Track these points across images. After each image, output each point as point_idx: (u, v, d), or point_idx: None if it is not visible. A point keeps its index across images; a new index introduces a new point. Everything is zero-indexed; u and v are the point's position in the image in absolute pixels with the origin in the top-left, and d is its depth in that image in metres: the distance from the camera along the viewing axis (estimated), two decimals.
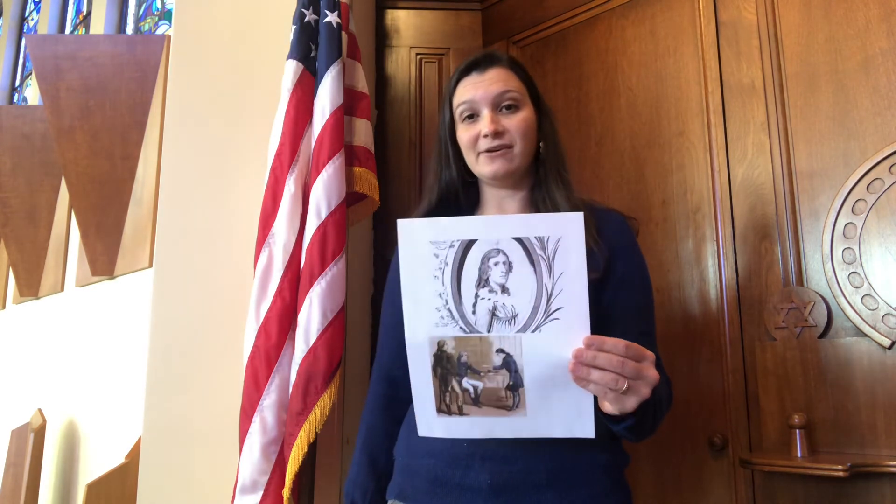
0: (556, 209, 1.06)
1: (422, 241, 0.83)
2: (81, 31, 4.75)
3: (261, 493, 1.38)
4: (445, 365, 0.84)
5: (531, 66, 1.92)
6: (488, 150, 1.07)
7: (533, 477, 0.97)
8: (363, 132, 1.64)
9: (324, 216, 1.45)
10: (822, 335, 1.36)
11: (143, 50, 2.88)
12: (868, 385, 1.29)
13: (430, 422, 0.87)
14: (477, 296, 0.82)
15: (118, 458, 2.47)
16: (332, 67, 1.54)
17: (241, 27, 1.82)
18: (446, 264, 0.82)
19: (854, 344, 1.32)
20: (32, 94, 4.91)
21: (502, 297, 0.81)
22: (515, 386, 0.83)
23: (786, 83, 1.47)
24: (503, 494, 0.97)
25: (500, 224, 0.82)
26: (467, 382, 0.84)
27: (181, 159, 1.77)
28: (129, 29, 4.26)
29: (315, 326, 1.40)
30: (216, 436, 1.57)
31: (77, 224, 2.96)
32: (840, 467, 1.20)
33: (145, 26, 4.20)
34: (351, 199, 1.59)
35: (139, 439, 1.85)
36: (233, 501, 1.39)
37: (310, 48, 1.60)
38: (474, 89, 1.09)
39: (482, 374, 0.83)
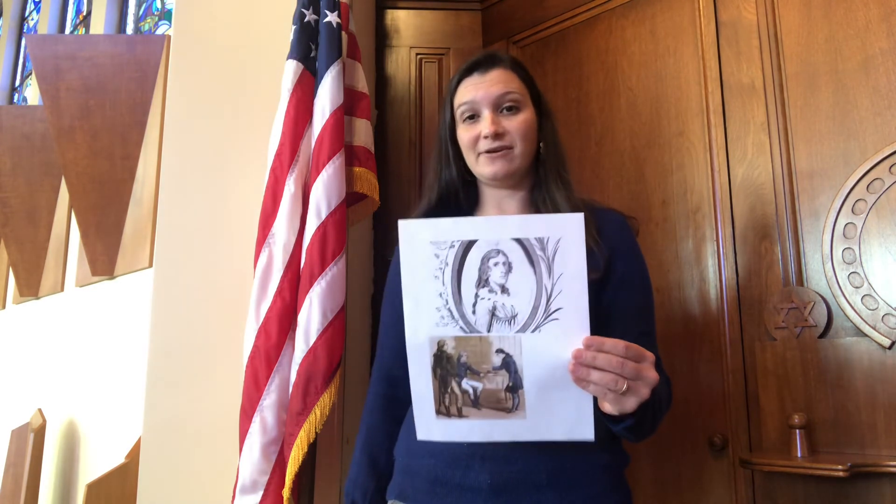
0: (556, 209, 1.06)
1: (422, 241, 0.83)
2: (81, 31, 4.75)
3: (261, 493, 1.38)
4: (445, 365, 0.84)
5: (531, 66, 1.92)
6: (488, 152, 1.07)
7: (533, 477, 0.97)
8: (363, 132, 1.64)
9: (324, 216, 1.45)
10: (822, 335, 1.36)
11: (143, 50, 2.88)
12: (868, 385, 1.29)
13: (429, 424, 0.87)
14: (477, 296, 0.82)
15: (118, 458, 2.47)
16: (332, 67, 1.54)
17: (241, 27, 1.82)
18: (446, 264, 0.83)
19: (854, 344, 1.32)
20: (32, 94, 4.91)
21: (502, 298, 0.81)
22: (515, 387, 0.83)
23: (786, 83, 1.47)
24: (503, 494, 0.97)
25: (500, 225, 0.82)
26: (467, 383, 0.84)
27: (181, 159, 1.77)
28: (129, 29, 4.26)
29: (315, 326, 1.40)
30: (216, 436, 1.57)
31: (77, 224, 2.96)
32: (840, 467, 1.20)
33: (145, 26, 4.20)
34: (351, 199, 1.59)
35: (139, 439, 1.85)
36: (233, 501, 1.40)
37: (310, 48, 1.60)
38: (475, 90, 1.09)
39: (482, 374, 0.83)
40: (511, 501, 0.97)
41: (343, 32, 1.61)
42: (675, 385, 1.08)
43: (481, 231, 0.82)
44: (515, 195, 1.14)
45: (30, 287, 3.68)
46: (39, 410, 3.17)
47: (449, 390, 0.84)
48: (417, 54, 2.09)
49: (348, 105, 1.61)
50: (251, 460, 1.39)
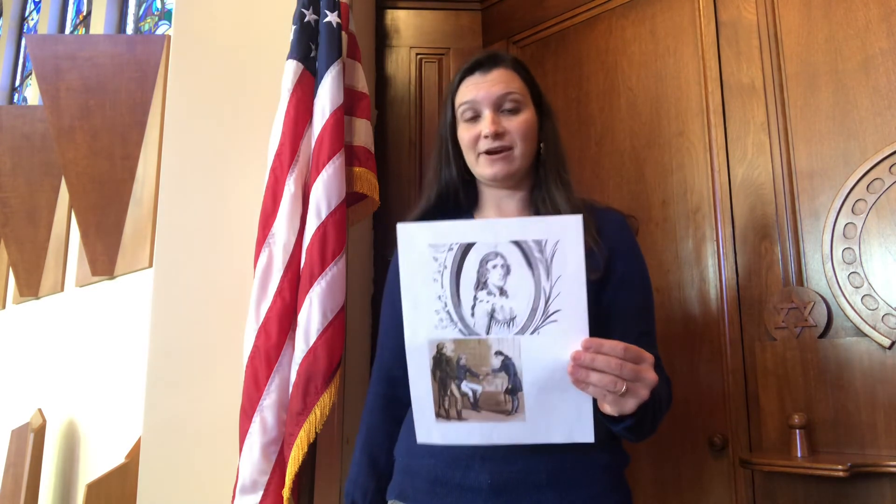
0: (555, 210, 1.06)
1: (421, 244, 0.83)
2: (81, 31, 4.75)
3: (261, 493, 1.38)
4: (444, 368, 0.84)
5: (531, 66, 1.90)
6: (488, 152, 1.07)
7: (533, 477, 0.97)
8: (363, 132, 1.64)
9: (324, 216, 1.45)
10: (822, 335, 1.36)
11: (143, 50, 2.88)
12: (868, 385, 1.29)
13: (428, 427, 0.87)
14: (475, 298, 0.82)
15: (118, 458, 2.47)
16: (332, 67, 1.54)
17: (241, 27, 1.82)
18: (445, 267, 0.83)
19: (854, 344, 1.32)
20: (32, 94, 4.91)
21: (500, 300, 0.81)
22: (514, 390, 0.83)
23: (786, 83, 1.47)
24: (503, 494, 0.97)
25: (498, 227, 0.82)
26: (466, 386, 0.84)
27: (181, 159, 1.77)
28: (129, 29, 4.26)
29: (315, 326, 1.40)
30: (216, 436, 1.57)
31: (77, 224, 2.96)
32: (840, 467, 1.20)
33: (145, 26, 4.20)
34: (351, 199, 1.59)
35: (139, 439, 1.85)
36: (233, 501, 1.40)
37: (310, 48, 1.60)
38: (477, 89, 1.09)
39: (481, 377, 0.83)
40: (511, 501, 0.97)
41: (343, 32, 1.61)
42: (675, 385, 1.08)
43: (479, 234, 0.82)
44: (515, 195, 1.14)
45: (30, 287, 3.68)
46: (39, 410, 3.17)
47: (448, 393, 0.84)
48: (417, 54, 2.09)
49: (348, 105, 1.61)
50: (251, 460, 1.39)
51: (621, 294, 1.04)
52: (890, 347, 1.27)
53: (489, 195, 1.16)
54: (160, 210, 1.78)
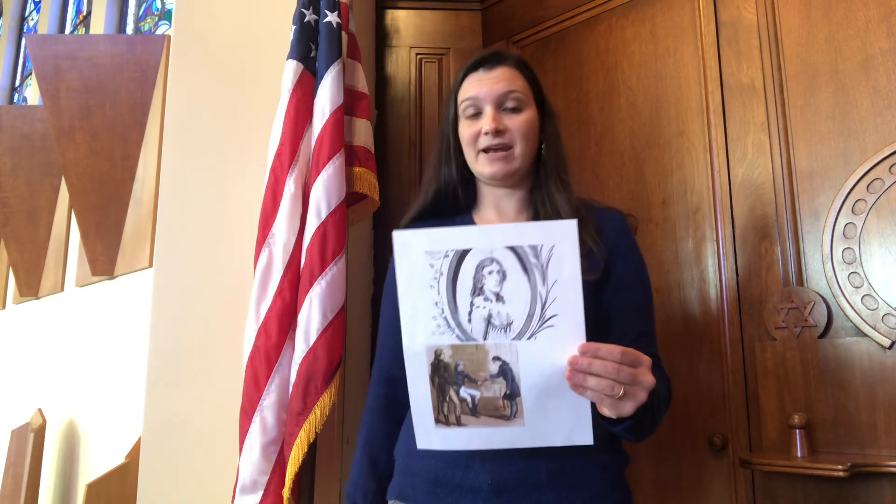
0: (555, 211, 1.06)
1: (417, 251, 0.83)
2: (81, 31, 4.75)
3: (261, 493, 1.38)
4: (443, 374, 0.84)
5: (531, 66, 1.92)
6: (488, 149, 1.07)
7: (533, 477, 0.97)
8: (363, 132, 1.64)
9: (324, 216, 1.45)
10: (822, 335, 1.36)
11: (143, 50, 2.88)
12: (868, 385, 1.29)
13: (428, 433, 0.87)
14: (472, 304, 0.82)
15: (118, 458, 2.47)
16: (332, 67, 1.54)
17: (241, 27, 1.82)
18: (441, 274, 0.83)
19: (854, 344, 1.32)
20: (32, 94, 4.91)
21: (497, 305, 0.82)
22: (513, 395, 0.83)
23: (786, 83, 1.47)
24: (503, 495, 0.97)
25: (493, 233, 0.82)
26: (465, 392, 0.84)
27: (181, 159, 1.77)
28: (129, 29, 4.26)
29: (315, 326, 1.40)
30: (216, 436, 1.57)
31: (77, 224, 2.96)
32: (840, 467, 1.20)
33: (145, 26, 4.20)
34: (351, 199, 1.59)
35: (139, 439, 1.85)
36: (233, 501, 1.40)
37: (310, 48, 1.60)
38: (479, 86, 1.09)
39: (479, 382, 0.83)
40: (511, 502, 0.97)
41: (343, 32, 1.61)
42: (675, 385, 1.08)
43: (475, 240, 0.82)
44: (514, 195, 1.14)
45: (30, 287, 3.68)
46: (39, 410, 3.17)
47: (447, 399, 0.85)
48: (417, 54, 2.09)
49: (348, 105, 1.61)
50: (251, 460, 1.39)
51: (621, 294, 1.04)
52: (890, 347, 1.27)
53: (488, 194, 1.15)
54: (160, 210, 1.78)
